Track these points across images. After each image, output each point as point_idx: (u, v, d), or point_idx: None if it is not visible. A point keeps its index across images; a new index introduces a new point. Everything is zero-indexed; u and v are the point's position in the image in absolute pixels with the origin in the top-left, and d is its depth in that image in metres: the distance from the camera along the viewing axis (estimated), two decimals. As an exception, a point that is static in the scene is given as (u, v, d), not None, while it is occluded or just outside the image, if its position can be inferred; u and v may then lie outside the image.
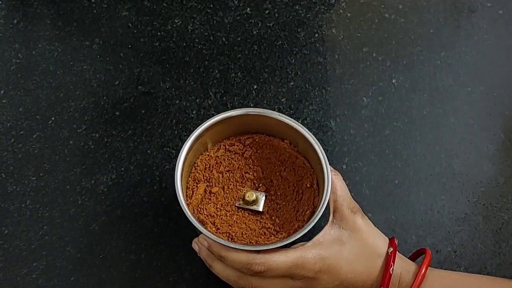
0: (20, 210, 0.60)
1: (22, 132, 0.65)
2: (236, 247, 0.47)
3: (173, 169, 0.52)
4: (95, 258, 0.58)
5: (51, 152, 0.64)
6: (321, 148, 0.53)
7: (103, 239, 0.59)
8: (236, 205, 0.55)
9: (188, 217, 0.49)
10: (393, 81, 0.69)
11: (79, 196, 0.61)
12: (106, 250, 0.58)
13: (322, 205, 0.50)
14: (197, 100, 0.68)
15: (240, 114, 0.55)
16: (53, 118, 0.66)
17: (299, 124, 0.54)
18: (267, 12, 0.75)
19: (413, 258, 0.55)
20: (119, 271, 0.57)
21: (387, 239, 0.51)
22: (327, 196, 0.50)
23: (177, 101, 0.68)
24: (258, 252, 0.47)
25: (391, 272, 0.48)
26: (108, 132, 0.65)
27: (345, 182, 0.53)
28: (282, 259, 0.47)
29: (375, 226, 0.52)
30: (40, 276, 0.57)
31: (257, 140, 0.58)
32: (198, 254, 0.52)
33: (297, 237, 0.49)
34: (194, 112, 0.67)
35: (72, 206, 0.61)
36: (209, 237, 0.48)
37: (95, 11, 0.74)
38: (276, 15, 0.74)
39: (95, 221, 0.60)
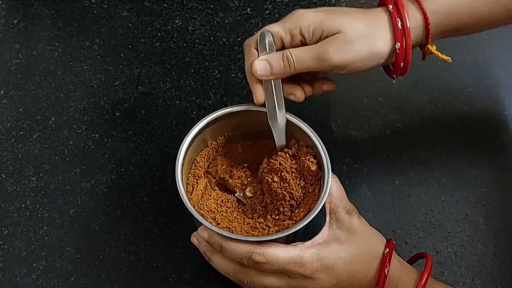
0: (20, 210, 0.60)
1: (22, 133, 0.65)
2: (237, 238, 0.47)
3: (173, 169, 0.52)
4: (95, 258, 0.58)
5: (51, 153, 0.64)
6: (321, 142, 0.53)
7: (103, 240, 0.59)
8: (236, 195, 0.55)
9: (189, 209, 0.49)
10: (393, 81, 0.69)
11: (79, 197, 0.61)
12: (106, 251, 0.58)
13: (321, 200, 0.50)
14: (197, 101, 0.68)
15: (241, 110, 0.55)
16: (53, 119, 0.66)
17: (300, 119, 0.54)
18: (267, 12, 0.75)
19: (411, 261, 0.54)
20: (119, 272, 0.57)
21: (385, 239, 0.51)
22: (326, 191, 0.50)
23: (177, 102, 0.68)
24: (258, 243, 0.47)
25: (386, 273, 0.48)
26: (108, 132, 0.65)
27: (345, 182, 0.53)
28: (281, 253, 0.47)
29: (375, 226, 0.52)
30: (40, 277, 0.57)
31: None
32: (197, 247, 0.52)
33: (298, 228, 0.48)
34: (194, 112, 0.67)
35: (72, 207, 0.61)
36: (210, 228, 0.48)
37: (95, 11, 0.74)
38: (277, 15, 0.74)
39: (95, 222, 0.60)
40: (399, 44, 0.50)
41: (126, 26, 0.73)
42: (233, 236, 0.48)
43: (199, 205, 0.53)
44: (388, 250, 0.50)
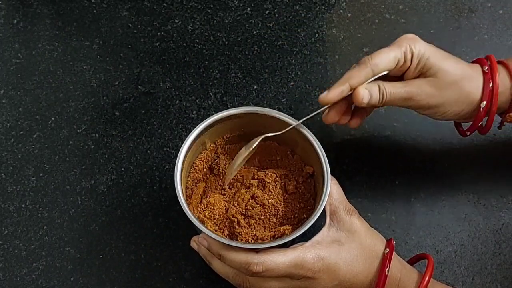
0: (19, 210, 0.60)
1: (22, 132, 0.65)
2: (236, 245, 0.47)
3: (173, 169, 0.52)
4: (94, 258, 0.58)
5: (51, 152, 0.64)
6: (319, 144, 0.53)
7: (103, 240, 0.59)
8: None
9: (189, 216, 0.49)
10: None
11: (78, 197, 0.61)
12: (106, 251, 0.58)
13: (322, 203, 0.50)
14: (197, 101, 0.68)
15: (238, 113, 0.55)
16: (53, 118, 0.66)
17: (299, 122, 0.54)
18: (267, 12, 0.75)
19: (412, 261, 0.54)
20: (119, 272, 0.57)
21: (385, 240, 0.51)
22: (326, 194, 0.50)
23: (177, 101, 0.68)
24: (257, 250, 0.47)
25: (386, 273, 0.48)
26: (108, 132, 0.65)
27: (345, 182, 0.53)
28: (281, 259, 0.47)
29: (375, 226, 0.52)
30: (40, 277, 0.57)
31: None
32: (198, 251, 0.52)
33: (297, 235, 0.49)
34: (194, 112, 0.67)
35: (72, 207, 0.61)
36: (209, 236, 0.48)
37: (95, 11, 0.74)
38: (277, 15, 0.74)
39: (94, 222, 0.60)
40: (484, 103, 0.53)
41: (125, 26, 0.73)
42: (233, 243, 0.48)
43: (198, 209, 0.53)
44: (388, 250, 0.50)
